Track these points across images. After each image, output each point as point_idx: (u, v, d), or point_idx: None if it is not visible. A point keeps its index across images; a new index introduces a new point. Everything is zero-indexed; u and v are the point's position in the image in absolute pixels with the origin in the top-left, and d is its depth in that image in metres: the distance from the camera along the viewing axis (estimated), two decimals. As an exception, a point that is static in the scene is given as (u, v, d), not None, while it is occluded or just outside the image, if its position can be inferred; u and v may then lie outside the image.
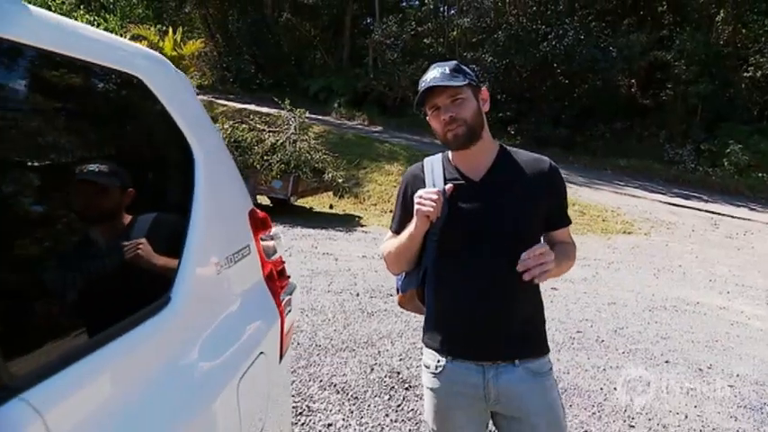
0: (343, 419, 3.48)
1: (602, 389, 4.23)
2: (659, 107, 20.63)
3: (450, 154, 1.79)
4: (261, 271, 1.70)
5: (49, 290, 0.96)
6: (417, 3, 27.25)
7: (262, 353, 1.50)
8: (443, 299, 1.77)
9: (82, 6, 23.35)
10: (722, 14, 21.10)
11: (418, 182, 1.79)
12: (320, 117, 18.42)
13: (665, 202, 14.75)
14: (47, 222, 1.02)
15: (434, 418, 1.81)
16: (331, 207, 11.96)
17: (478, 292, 1.68)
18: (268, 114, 13.40)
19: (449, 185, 1.69)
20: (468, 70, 1.71)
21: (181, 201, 1.36)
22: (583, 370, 4.57)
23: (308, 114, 12.45)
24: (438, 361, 1.77)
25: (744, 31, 21.15)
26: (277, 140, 10.85)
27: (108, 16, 22.61)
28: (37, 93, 1.08)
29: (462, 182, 1.72)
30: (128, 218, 1.22)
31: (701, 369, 4.72)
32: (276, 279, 1.76)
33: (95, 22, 20.30)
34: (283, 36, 25.18)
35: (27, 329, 0.87)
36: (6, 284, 0.86)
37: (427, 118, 1.75)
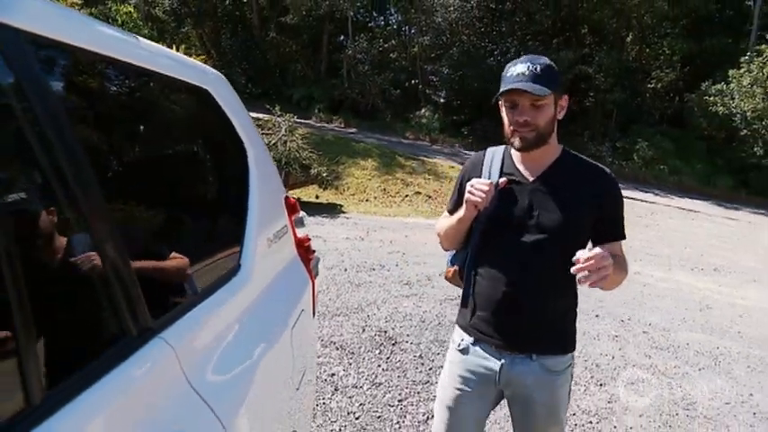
0: (344, 370, 3.58)
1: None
2: (583, 112, 21.06)
3: (512, 148, 1.56)
4: (294, 246, 1.78)
5: (169, 265, 1.04)
6: (383, 23, 27.13)
7: (303, 309, 1.58)
8: (477, 285, 1.58)
9: (92, 25, 22.56)
10: (630, 37, 21.65)
11: (476, 170, 1.60)
12: (303, 121, 18.19)
13: (590, 190, 15.12)
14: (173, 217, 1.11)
15: (447, 386, 1.65)
16: (317, 197, 11.92)
17: (509, 285, 1.49)
18: (259, 119, 13.22)
19: (502, 179, 1.50)
20: (557, 73, 1.45)
21: (241, 189, 1.44)
22: (531, 324, 4.76)
23: (293, 119, 12.35)
24: (462, 339, 1.63)
25: (648, 50, 21.75)
26: (270, 141, 10.76)
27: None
28: (138, 101, 1.16)
29: (516, 178, 1.51)
30: (209, 209, 1.30)
31: (622, 320, 4.98)
32: (305, 252, 1.84)
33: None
34: (269, 52, 24.76)
35: (159, 291, 0.96)
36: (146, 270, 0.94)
37: (500, 103, 1.49)
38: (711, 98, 17.57)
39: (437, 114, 20.59)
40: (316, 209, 10.70)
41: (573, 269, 1.29)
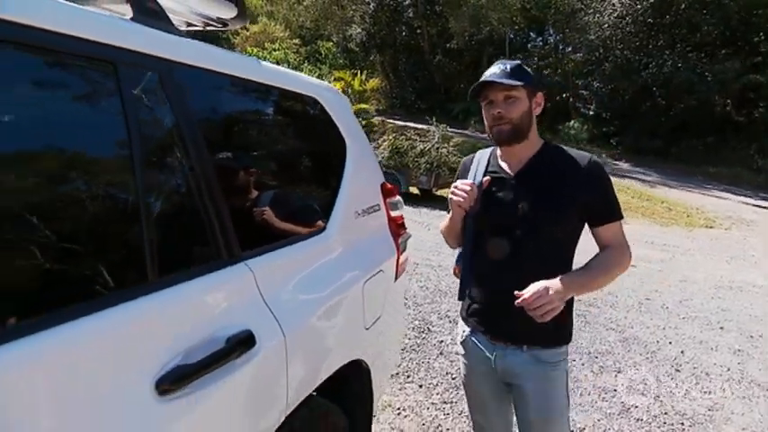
0: (451, 340, 3.65)
1: (657, 342, 3.93)
2: (751, 123, 17.47)
3: (497, 149, 1.48)
4: (386, 222, 1.93)
5: (259, 215, 1.30)
6: (541, 43, 25.77)
7: (381, 270, 1.72)
8: (470, 279, 1.49)
9: (306, 61, 25.50)
10: (821, 43, 17.23)
11: (466, 172, 1.52)
12: (460, 131, 18.28)
13: (750, 204, 12.58)
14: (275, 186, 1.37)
15: (464, 380, 1.61)
16: (462, 196, 11.91)
17: (498, 279, 1.39)
18: (421, 129, 13.67)
19: (486, 178, 1.42)
20: (528, 72, 1.37)
21: (337, 173, 1.64)
22: (645, 327, 4.26)
23: (450, 129, 12.50)
24: (463, 331, 1.55)
25: (844, 56, 17.08)
26: (425, 147, 11.10)
27: (321, 66, 24.42)
28: (266, 109, 1.43)
29: (500, 175, 1.42)
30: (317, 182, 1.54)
31: (751, 336, 4.15)
32: (396, 228, 1.98)
33: (314, 70, 22.21)
34: (436, 73, 25.29)
35: (254, 234, 1.21)
36: (243, 215, 1.20)
37: (483, 105, 1.40)
38: None
39: (586, 126, 18.97)
40: (460, 207, 10.70)
41: (517, 302, 1.24)
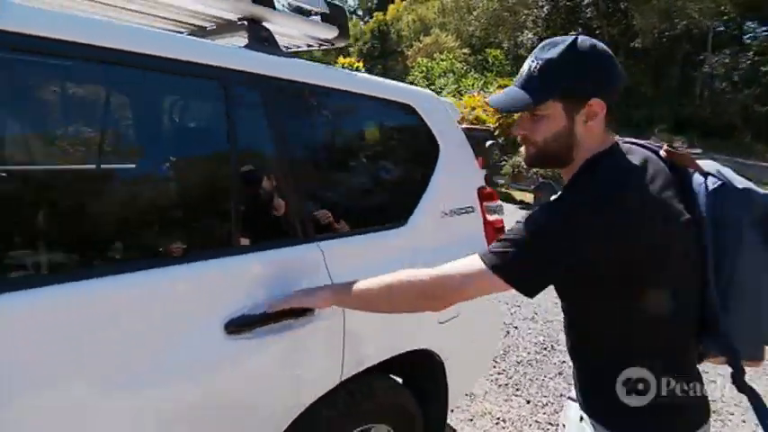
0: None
1: None
2: None
3: None
4: (481, 224, 1.97)
5: (338, 207, 1.50)
6: (765, 33, 21.17)
7: None
8: None
9: (473, 69, 25.67)
10: None
11: None
12: (633, 141, 16.26)
13: None
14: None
15: None
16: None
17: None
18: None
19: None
20: (567, 69, 0.91)
21: (425, 173, 1.75)
22: None
23: (624, 139, 11.19)
24: None
25: None
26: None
27: (487, 74, 24.29)
28: (357, 115, 1.65)
29: None
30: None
31: None
32: (493, 231, 1.99)
33: (479, 78, 22.26)
34: (617, 76, 22.94)
35: (325, 220, 1.42)
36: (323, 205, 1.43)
37: None
38: None
39: (822, 134, 15.01)
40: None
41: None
